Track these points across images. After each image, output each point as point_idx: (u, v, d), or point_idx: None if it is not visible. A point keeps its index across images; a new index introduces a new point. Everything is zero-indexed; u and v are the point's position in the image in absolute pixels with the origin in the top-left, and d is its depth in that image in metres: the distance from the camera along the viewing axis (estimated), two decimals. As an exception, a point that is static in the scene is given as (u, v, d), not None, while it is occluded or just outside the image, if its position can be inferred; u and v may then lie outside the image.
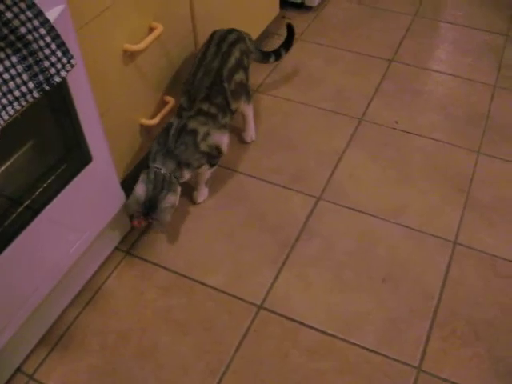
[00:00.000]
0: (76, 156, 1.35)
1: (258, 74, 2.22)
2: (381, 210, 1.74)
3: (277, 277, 1.58)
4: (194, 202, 1.76)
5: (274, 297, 1.53)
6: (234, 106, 1.68)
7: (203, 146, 1.58)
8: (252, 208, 1.75)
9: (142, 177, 1.52)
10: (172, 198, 1.51)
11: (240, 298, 1.53)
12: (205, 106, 1.58)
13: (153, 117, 1.65)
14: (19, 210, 1.25)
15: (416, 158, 1.90)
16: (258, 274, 1.58)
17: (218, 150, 1.63)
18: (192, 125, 1.56)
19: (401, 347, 1.43)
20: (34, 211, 1.27)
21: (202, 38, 1.76)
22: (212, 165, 1.65)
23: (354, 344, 1.44)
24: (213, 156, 1.63)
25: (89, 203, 1.44)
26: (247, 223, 1.71)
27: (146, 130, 1.66)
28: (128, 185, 1.64)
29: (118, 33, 1.41)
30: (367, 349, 1.43)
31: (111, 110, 1.47)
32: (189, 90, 1.61)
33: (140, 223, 1.55)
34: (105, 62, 1.41)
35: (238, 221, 1.71)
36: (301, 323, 1.48)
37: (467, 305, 1.51)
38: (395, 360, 1.41)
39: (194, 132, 1.56)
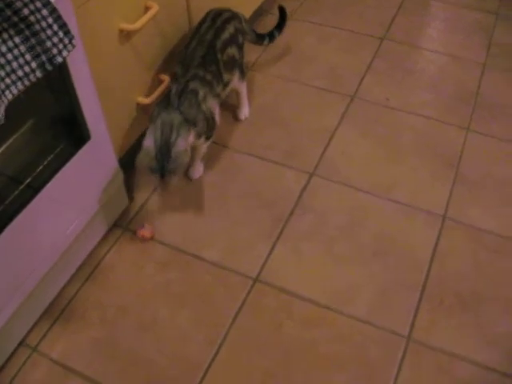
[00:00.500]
0: (75, 134, 1.38)
1: (252, 52, 2.24)
2: (372, 186, 1.78)
3: (271, 251, 1.62)
4: (189, 179, 1.80)
5: (268, 270, 1.58)
6: (225, 77, 1.70)
7: (204, 107, 1.59)
8: (246, 184, 1.79)
9: (149, 129, 1.50)
10: (183, 142, 1.49)
11: (236, 272, 1.58)
12: (200, 72, 1.60)
13: (148, 95, 1.68)
14: (20, 188, 1.29)
15: (406, 134, 1.94)
16: (253, 248, 1.63)
17: (212, 119, 1.65)
18: (192, 85, 1.57)
19: (391, 317, 1.48)
20: (35, 190, 1.30)
21: (197, 18, 1.78)
22: (208, 137, 1.67)
23: (346, 315, 1.49)
24: (209, 126, 1.64)
25: (88, 181, 1.47)
26: (242, 199, 1.75)
27: (142, 108, 1.69)
28: (126, 163, 1.67)
29: (114, 12, 1.44)
30: (359, 319, 1.48)
31: (108, 89, 1.50)
32: (182, 59, 1.63)
33: (144, 234, 1.62)
34: (102, 42, 1.43)
35: (232, 196, 1.76)
36: (295, 295, 1.53)
37: (455, 277, 1.57)
38: (386, 330, 1.46)
39: (195, 91, 1.57)
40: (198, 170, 1.80)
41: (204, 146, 1.72)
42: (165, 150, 1.47)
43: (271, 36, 2.01)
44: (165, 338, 1.45)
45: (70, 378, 1.39)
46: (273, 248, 1.63)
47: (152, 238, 1.65)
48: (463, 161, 1.85)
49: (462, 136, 1.93)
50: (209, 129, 1.64)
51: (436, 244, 1.64)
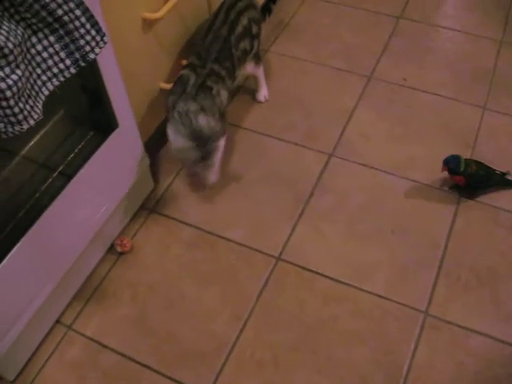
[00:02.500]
0: (103, 122, 1.44)
1: (269, 33, 2.27)
2: (390, 165, 1.82)
3: (293, 230, 1.68)
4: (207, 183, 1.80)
5: (290, 249, 1.64)
6: (237, 72, 1.74)
7: (218, 100, 1.63)
8: (268, 165, 1.84)
9: (170, 127, 1.57)
10: (204, 117, 1.55)
11: (259, 251, 1.64)
12: (216, 67, 1.64)
13: (170, 81, 1.73)
14: (53, 176, 1.35)
15: (423, 114, 1.97)
16: (276, 227, 1.69)
17: (224, 112, 1.68)
18: (209, 82, 1.61)
19: (409, 293, 1.54)
20: (68, 177, 1.37)
21: (216, 4, 1.82)
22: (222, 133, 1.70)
23: (366, 291, 1.55)
24: (222, 119, 1.67)
25: (116, 166, 1.54)
26: (264, 180, 1.80)
27: (164, 93, 1.74)
28: (150, 147, 1.73)
29: (137, 2, 1.48)
30: (378, 295, 1.54)
31: (133, 76, 1.55)
32: (199, 52, 1.66)
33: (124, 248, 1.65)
34: (126, 31, 1.48)
35: (254, 178, 1.81)
36: (316, 273, 1.59)
37: (471, 253, 1.62)
38: (404, 305, 1.52)
39: (210, 88, 1.62)
40: (216, 172, 1.78)
41: (221, 145, 1.72)
42: (198, 136, 1.54)
43: (268, 10, 2.03)
44: (192, 315, 1.53)
45: (105, 354, 1.47)
46: (294, 227, 1.69)
47: (130, 251, 1.67)
48: (480, 139, 1.88)
49: (479, 115, 1.96)
50: (222, 122, 1.68)
51: (453, 221, 1.68)
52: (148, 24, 1.55)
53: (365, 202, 1.74)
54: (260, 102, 2.02)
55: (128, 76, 1.49)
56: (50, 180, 1.35)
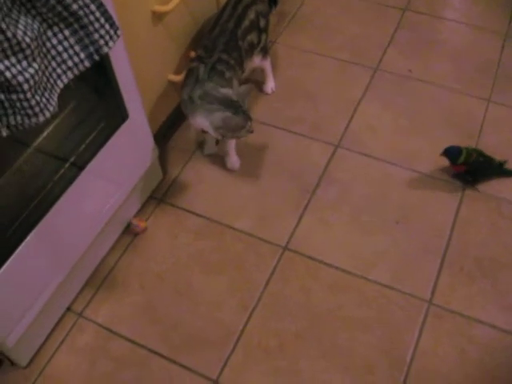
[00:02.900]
0: (114, 114, 1.46)
1: (276, 24, 2.29)
2: (395, 157, 1.85)
3: (299, 220, 1.71)
4: (230, 169, 1.85)
5: (297, 239, 1.67)
6: (245, 64, 1.76)
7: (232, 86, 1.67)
8: (275, 156, 1.87)
9: (198, 118, 1.59)
10: (226, 89, 1.59)
11: (266, 241, 1.67)
12: (224, 56, 1.66)
13: (179, 73, 1.75)
14: (65, 166, 1.38)
15: (429, 106, 1.99)
16: (282, 218, 1.72)
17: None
18: (219, 67, 1.64)
19: (413, 283, 1.57)
20: (79, 167, 1.40)
21: (224, -3, 1.84)
22: None
23: (371, 280, 1.58)
24: None
25: (126, 157, 1.57)
26: (271, 170, 1.83)
27: (172, 85, 1.77)
28: (159, 138, 1.76)
29: (147, -5, 1.50)
30: (383, 284, 1.57)
31: (142, 69, 1.57)
32: (206, 44, 1.68)
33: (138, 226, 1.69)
34: (136, 24, 1.50)
35: (262, 168, 1.84)
36: (322, 262, 1.62)
37: (475, 244, 1.64)
38: (408, 294, 1.55)
39: (222, 72, 1.64)
40: (235, 160, 1.83)
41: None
42: (229, 101, 1.56)
43: (274, 1, 2.01)
44: (201, 303, 1.56)
45: (115, 341, 1.51)
46: (301, 218, 1.72)
47: (144, 231, 1.71)
48: (484, 131, 1.90)
49: (483, 107, 1.98)
50: None
51: (457, 212, 1.71)
52: (158, 17, 1.58)
53: (370, 192, 1.77)
54: (267, 94, 2.04)
55: (137, 68, 1.52)
56: (62, 171, 1.37)
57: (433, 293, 1.55)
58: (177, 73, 1.75)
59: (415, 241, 1.66)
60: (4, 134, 0.98)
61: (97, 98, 1.43)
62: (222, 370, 1.44)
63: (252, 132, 1.64)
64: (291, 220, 1.71)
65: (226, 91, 1.59)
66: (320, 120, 1.97)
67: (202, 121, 1.59)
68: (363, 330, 1.50)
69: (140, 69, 1.54)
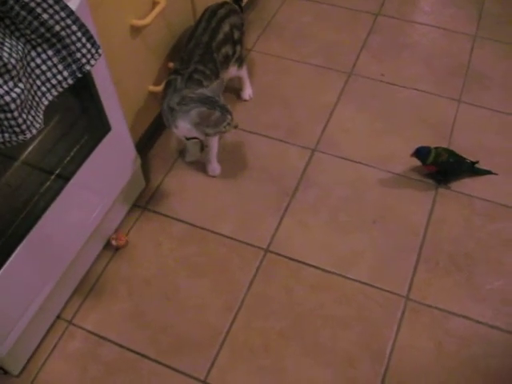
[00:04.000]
0: (97, 126, 1.51)
1: (251, 32, 2.35)
2: (370, 159, 1.92)
3: (280, 223, 1.77)
4: (211, 176, 1.91)
5: (278, 241, 1.73)
6: (221, 74, 1.82)
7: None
8: (254, 161, 1.92)
9: (180, 123, 1.63)
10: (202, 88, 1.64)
11: (248, 244, 1.73)
12: (200, 67, 1.72)
13: (158, 83, 1.80)
14: (52, 178, 1.42)
15: (401, 108, 2.06)
16: (263, 221, 1.78)
17: None
18: (196, 76, 1.69)
19: (391, 279, 1.64)
20: (64, 179, 1.44)
21: (200, 9, 1.89)
22: None
23: (350, 278, 1.65)
24: None
25: (109, 167, 1.61)
26: (250, 176, 1.89)
27: (152, 95, 1.82)
28: (141, 147, 1.81)
29: (125, 10, 1.55)
30: (361, 282, 1.64)
31: (122, 81, 1.62)
32: (182, 56, 1.74)
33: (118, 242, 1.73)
34: (115, 38, 1.55)
35: (241, 174, 1.89)
36: (303, 263, 1.68)
37: (449, 240, 1.71)
38: (386, 291, 1.62)
39: (200, 81, 1.70)
40: (216, 166, 1.89)
41: (214, 141, 1.83)
42: (206, 98, 1.61)
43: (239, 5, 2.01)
44: (187, 307, 1.61)
45: (105, 346, 1.55)
46: (281, 220, 1.78)
47: (125, 245, 1.75)
48: (455, 131, 1.98)
49: (454, 107, 2.06)
50: None
51: (431, 211, 1.78)
52: (136, 30, 1.62)
53: (347, 194, 1.83)
54: (245, 101, 2.10)
55: (118, 80, 1.56)
56: (48, 183, 1.42)
57: (410, 288, 1.62)
58: (156, 84, 1.80)
59: (392, 239, 1.72)
60: None
61: (80, 111, 1.47)
62: (210, 370, 1.50)
63: (237, 127, 1.69)
64: (272, 223, 1.77)
65: (200, 90, 1.64)
66: (297, 125, 2.03)
67: (182, 124, 1.63)
68: (344, 326, 1.56)
69: (120, 81, 1.59)
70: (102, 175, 1.59)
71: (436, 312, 1.58)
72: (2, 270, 1.30)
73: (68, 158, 1.47)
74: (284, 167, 1.91)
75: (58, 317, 1.61)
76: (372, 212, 1.79)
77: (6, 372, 1.50)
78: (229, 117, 1.64)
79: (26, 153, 1.35)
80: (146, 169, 1.90)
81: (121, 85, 1.59)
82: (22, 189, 1.37)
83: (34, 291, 1.45)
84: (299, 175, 1.89)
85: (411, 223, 1.75)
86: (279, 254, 1.70)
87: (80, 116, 1.47)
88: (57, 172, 1.44)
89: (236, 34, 1.86)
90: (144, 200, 1.85)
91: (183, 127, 1.63)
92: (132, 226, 1.79)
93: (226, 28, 1.81)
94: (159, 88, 1.78)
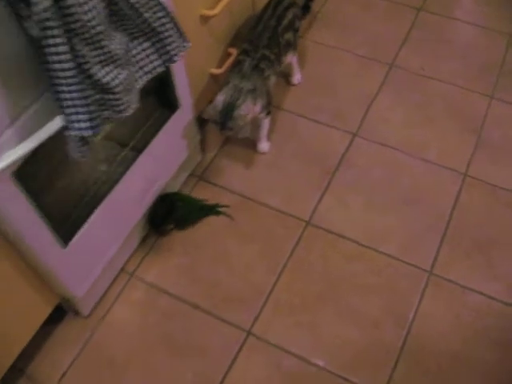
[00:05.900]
0: (168, 104, 1.72)
1: (303, 21, 2.50)
2: (406, 146, 2.10)
3: (320, 199, 1.97)
4: (259, 152, 2.10)
5: (318, 215, 1.93)
6: (283, 59, 2.01)
7: (268, 83, 1.93)
8: (299, 142, 2.12)
9: (223, 89, 1.80)
10: (246, 108, 1.78)
11: (292, 215, 1.93)
12: (266, 52, 1.91)
13: (219, 67, 2.00)
14: (126, 150, 1.64)
15: (437, 101, 2.23)
16: (306, 196, 1.98)
17: (271, 95, 1.97)
18: (262, 65, 1.89)
19: (417, 255, 1.83)
20: (138, 151, 1.66)
21: (258, 3, 2.08)
22: (268, 113, 1.98)
23: (381, 252, 1.85)
24: (269, 100, 1.97)
25: (175, 141, 1.82)
26: (296, 155, 2.08)
27: (213, 77, 2.02)
28: (199, 123, 2.01)
29: (197, 1, 1.74)
30: (391, 256, 1.83)
31: (190, 64, 1.81)
32: (251, 39, 1.93)
33: None
34: (187, 27, 1.72)
35: (288, 153, 2.09)
36: (340, 235, 1.89)
37: (471, 224, 1.90)
38: (412, 265, 1.81)
39: (263, 70, 1.89)
40: (266, 144, 2.09)
41: (266, 121, 2.02)
42: (230, 109, 1.77)
43: (307, 8, 2.23)
44: (235, 267, 1.83)
45: (163, 297, 1.77)
46: (322, 197, 1.98)
47: None
48: (485, 125, 2.15)
49: (486, 103, 2.22)
50: (269, 103, 1.96)
51: (457, 197, 1.96)
52: (204, 19, 1.81)
53: (383, 176, 2.02)
54: (294, 85, 2.29)
55: (187, 64, 1.76)
56: (123, 154, 1.63)
57: (433, 265, 1.81)
58: (218, 67, 2.00)
59: (420, 220, 1.91)
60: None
61: (156, 91, 1.68)
62: (254, 323, 1.72)
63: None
64: (314, 198, 1.97)
65: (241, 110, 1.77)
66: (340, 110, 2.21)
67: (217, 94, 1.78)
68: (373, 293, 1.76)
69: (189, 64, 1.78)
70: (169, 148, 1.80)
71: (455, 287, 1.77)
72: (87, 224, 1.53)
73: (141, 132, 1.68)
74: (326, 148, 2.10)
75: (122, 269, 1.83)
76: (404, 194, 1.97)
77: (77, 313, 1.74)
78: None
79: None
80: (202, 142, 2.10)
81: (189, 68, 1.79)
82: (103, 161, 1.59)
83: (108, 244, 1.68)
84: (340, 157, 2.08)
85: (438, 207, 1.94)
86: (319, 227, 1.91)
87: (155, 95, 1.68)
88: (131, 145, 1.66)
89: (297, 24, 2.05)
90: (200, 170, 2.06)
91: (218, 100, 1.78)
92: (189, 193, 2.00)
93: (289, 16, 2.00)
94: (220, 70, 1.97)
